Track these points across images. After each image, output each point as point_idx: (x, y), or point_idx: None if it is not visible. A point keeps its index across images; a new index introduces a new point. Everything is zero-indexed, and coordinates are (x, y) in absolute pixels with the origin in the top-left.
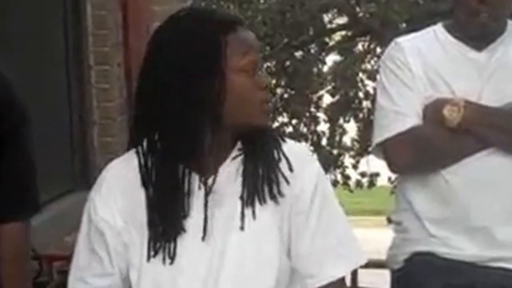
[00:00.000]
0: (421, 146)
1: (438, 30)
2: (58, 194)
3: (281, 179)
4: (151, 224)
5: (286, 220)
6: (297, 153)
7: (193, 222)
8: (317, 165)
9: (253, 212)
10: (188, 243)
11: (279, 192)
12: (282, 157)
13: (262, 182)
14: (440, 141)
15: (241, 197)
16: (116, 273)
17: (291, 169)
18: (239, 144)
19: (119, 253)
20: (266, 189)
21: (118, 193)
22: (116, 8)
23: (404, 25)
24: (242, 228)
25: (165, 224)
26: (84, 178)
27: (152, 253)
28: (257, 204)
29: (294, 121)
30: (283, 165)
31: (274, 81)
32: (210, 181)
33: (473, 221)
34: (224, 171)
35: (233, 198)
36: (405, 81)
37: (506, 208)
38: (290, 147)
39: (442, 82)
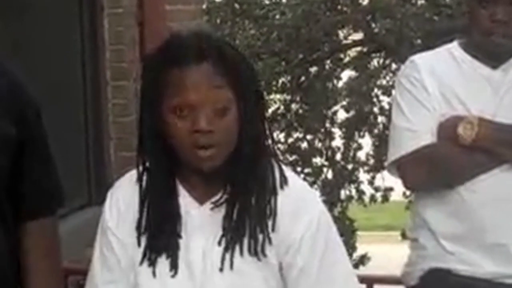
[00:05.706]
0: (436, 164)
1: (453, 48)
2: (74, 208)
3: (266, 238)
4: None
5: (275, 271)
6: (296, 197)
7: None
8: (318, 209)
9: (231, 262)
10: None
11: (263, 252)
12: (274, 212)
13: (244, 235)
14: (454, 159)
15: (219, 243)
16: (125, 281)
17: (273, 229)
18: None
19: (127, 264)
20: (246, 245)
21: (124, 209)
22: (133, 24)
23: (419, 41)
24: (221, 270)
25: (155, 243)
26: (101, 193)
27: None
28: (236, 254)
29: (309, 137)
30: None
31: (289, 97)
32: (193, 212)
33: (488, 238)
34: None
35: (210, 238)
36: (420, 100)
37: None
38: (289, 186)
39: (457, 100)
